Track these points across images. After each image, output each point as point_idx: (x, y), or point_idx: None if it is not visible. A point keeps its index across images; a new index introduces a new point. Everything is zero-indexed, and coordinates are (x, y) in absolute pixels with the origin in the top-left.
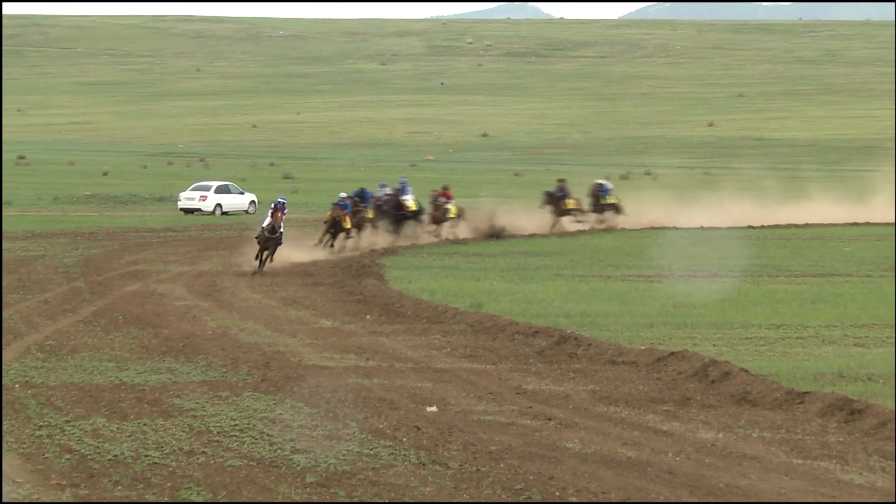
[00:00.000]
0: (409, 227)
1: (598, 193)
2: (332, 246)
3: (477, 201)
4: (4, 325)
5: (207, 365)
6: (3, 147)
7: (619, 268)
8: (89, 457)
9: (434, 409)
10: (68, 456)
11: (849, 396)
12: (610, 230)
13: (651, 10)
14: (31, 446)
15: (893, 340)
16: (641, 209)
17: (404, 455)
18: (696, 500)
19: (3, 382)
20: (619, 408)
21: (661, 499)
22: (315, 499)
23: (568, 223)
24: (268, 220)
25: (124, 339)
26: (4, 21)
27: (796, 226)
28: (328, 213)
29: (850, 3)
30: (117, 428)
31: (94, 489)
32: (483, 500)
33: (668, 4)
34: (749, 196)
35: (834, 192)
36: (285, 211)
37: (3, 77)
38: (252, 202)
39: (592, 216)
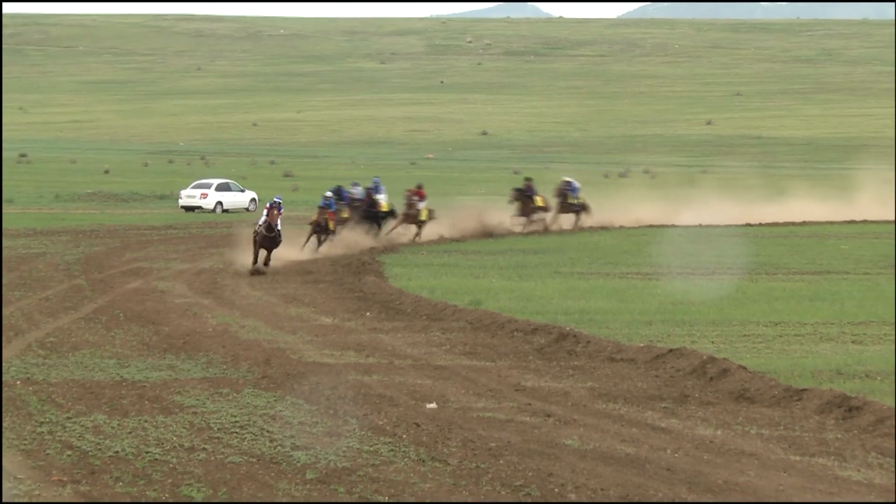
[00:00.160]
0: (382, 227)
1: (566, 192)
2: (317, 248)
3: (456, 200)
4: (6, 322)
5: (208, 362)
6: (5, 145)
7: (617, 265)
8: (90, 453)
9: (433, 405)
10: (69, 452)
11: (846, 393)
12: (578, 230)
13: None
14: (32, 443)
15: (892, 338)
16: (611, 206)
17: (404, 451)
18: (695, 497)
19: (5, 379)
20: (618, 405)
21: (660, 495)
22: (315, 495)
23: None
24: (263, 219)
25: (125, 336)
26: (5, 20)
27: (794, 223)
28: (314, 216)
29: (847, 3)
30: (118, 424)
31: (94, 486)
32: (482, 497)
33: (666, 4)
34: (735, 194)
35: (821, 189)
36: (281, 210)
37: (5, 75)
38: (252, 200)
39: (559, 217)
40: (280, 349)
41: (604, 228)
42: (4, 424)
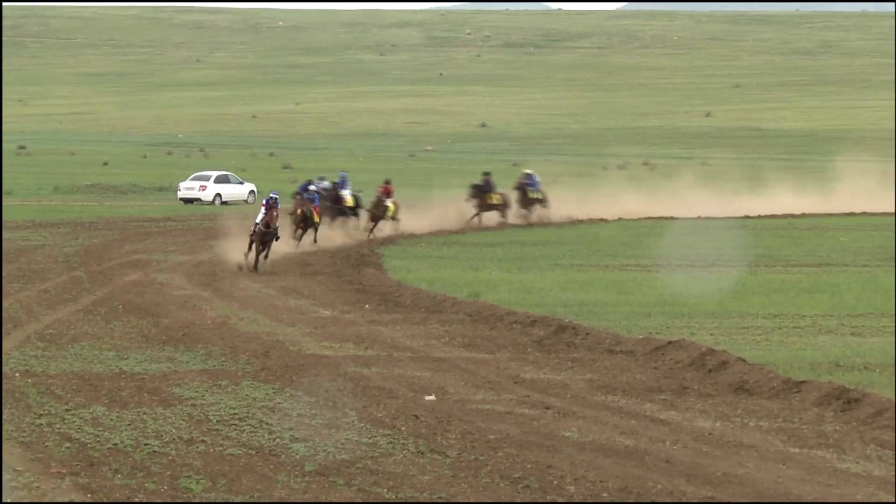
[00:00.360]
0: (347, 222)
1: (526, 187)
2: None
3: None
4: (5, 314)
5: (207, 354)
6: (4, 137)
7: (616, 257)
8: (89, 445)
9: (432, 397)
10: (68, 444)
11: (845, 385)
12: (534, 225)
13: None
14: (31, 435)
15: (891, 330)
16: (579, 198)
17: (403, 444)
18: (694, 489)
19: (4, 371)
20: (617, 397)
21: (659, 487)
22: (314, 487)
23: (490, 218)
24: (261, 216)
25: (124, 328)
26: (5, 12)
27: (793, 215)
28: (298, 209)
29: None
30: (117, 416)
31: (93, 477)
32: (481, 489)
33: None
34: (716, 186)
35: (803, 181)
36: (279, 207)
37: (4, 67)
38: (251, 192)
39: (519, 211)
40: (279, 341)
41: (574, 223)
42: (4, 416)
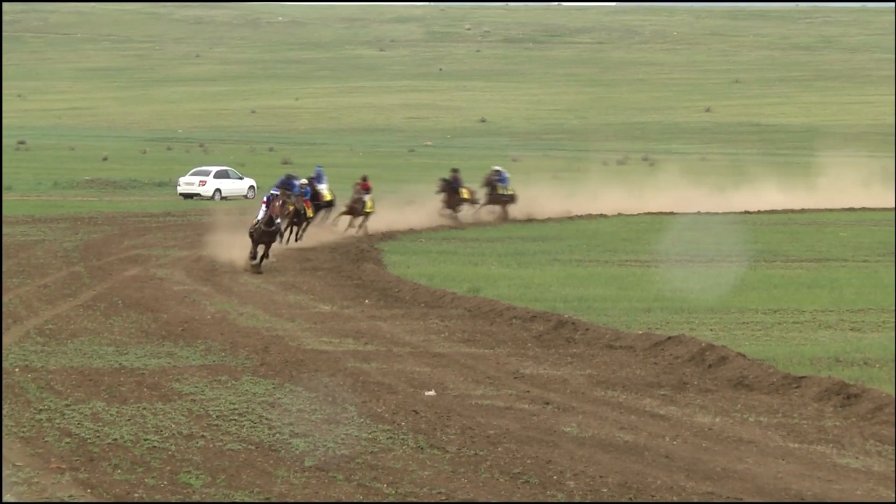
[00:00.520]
0: (326, 218)
1: (495, 183)
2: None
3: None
4: (4, 309)
5: (206, 349)
6: (4, 132)
7: (616, 253)
8: (89, 440)
9: (432, 393)
10: (68, 440)
11: (845, 381)
12: (505, 221)
13: None
14: (30, 430)
15: (891, 325)
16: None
17: (402, 439)
18: (693, 484)
19: (3, 366)
20: (617, 392)
21: (658, 482)
22: (314, 482)
23: (459, 213)
24: (263, 212)
25: (124, 323)
26: (4, 7)
27: (793, 211)
28: (290, 205)
29: None
30: (117, 412)
31: (93, 473)
32: (481, 484)
33: None
34: (699, 180)
35: (786, 177)
36: (280, 202)
37: (4, 63)
38: (251, 187)
39: (487, 207)
40: (279, 336)
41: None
42: (3, 411)
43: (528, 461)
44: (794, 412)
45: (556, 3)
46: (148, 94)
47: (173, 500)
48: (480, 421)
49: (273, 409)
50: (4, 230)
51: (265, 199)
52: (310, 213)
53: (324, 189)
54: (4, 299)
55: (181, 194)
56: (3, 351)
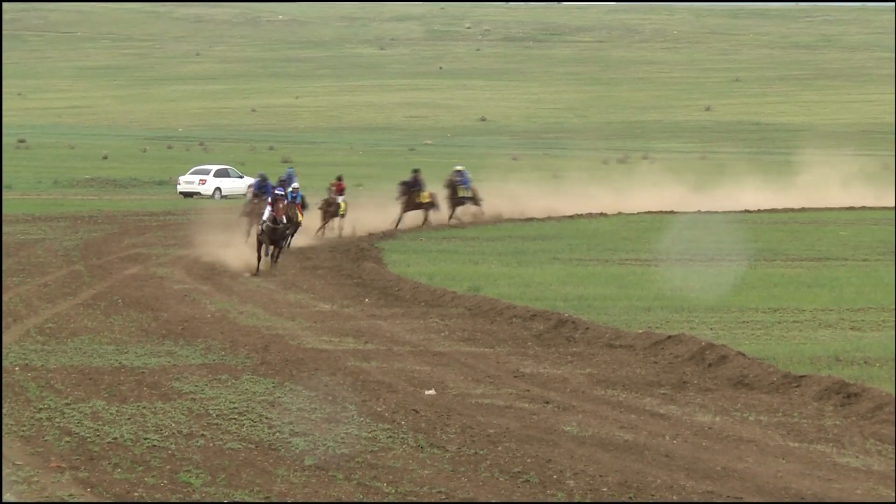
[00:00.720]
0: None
1: (456, 185)
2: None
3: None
4: (4, 308)
5: (207, 348)
6: (4, 131)
7: (616, 252)
8: (89, 439)
9: (432, 392)
10: (68, 438)
11: (845, 380)
12: (469, 224)
13: None
14: (30, 429)
15: (891, 324)
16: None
17: (402, 438)
18: (693, 483)
19: (4, 365)
20: (617, 391)
21: (658, 482)
22: (314, 481)
23: (416, 217)
24: (268, 212)
25: (124, 322)
26: (4, 5)
27: (793, 210)
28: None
29: None
30: (117, 411)
31: (93, 472)
32: (481, 483)
33: None
34: (680, 179)
35: (766, 175)
36: (287, 201)
37: (4, 61)
38: (250, 186)
39: (449, 210)
40: (279, 335)
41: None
42: (3, 410)
43: (528, 460)
44: (794, 411)
45: (557, 2)
46: (148, 92)
47: (173, 499)
48: (480, 420)
49: (273, 407)
50: (4, 229)
51: (269, 199)
52: (300, 218)
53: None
54: (4, 298)
55: (181, 193)
56: (4, 349)
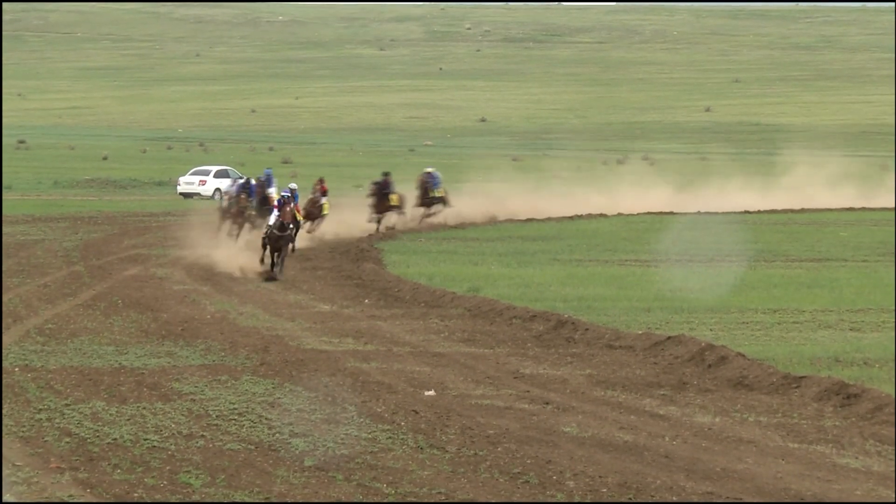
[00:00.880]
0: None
1: (427, 185)
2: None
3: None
4: (4, 308)
5: (206, 349)
6: (4, 131)
7: (616, 252)
8: (89, 440)
9: (432, 393)
10: (68, 439)
11: (845, 381)
12: (439, 227)
13: None
14: (30, 430)
15: (891, 325)
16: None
17: (402, 439)
18: (693, 484)
19: (3, 366)
20: (616, 392)
21: (658, 482)
22: (313, 482)
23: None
24: (274, 217)
25: (124, 322)
26: (4, 6)
27: (792, 210)
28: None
29: None
30: (116, 411)
31: (93, 472)
32: (480, 484)
33: None
34: (663, 179)
35: (747, 176)
36: (292, 205)
37: (4, 62)
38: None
39: (420, 210)
40: (278, 336)
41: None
42: (3, 411)
43: (528, 461)
44: (793, 412)
45: (557, 3)
46: (148, 93)
47: (173, 500)
48: (480, 421)
49: (273, 408)
50: (4, 229)
51: (277, 202)
52: (299, 217)
53: (273, 193)
54: (4, 298)
55: (181, 194)
56: (3, 350)
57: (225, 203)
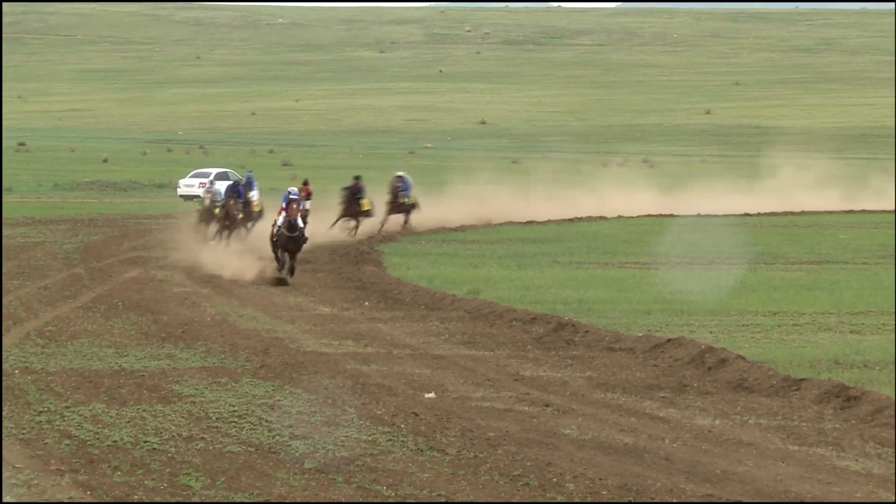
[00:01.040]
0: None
1: (398, 191)
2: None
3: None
4: (4, 310)
5: (206, 351)
6: (4, 134)
7: (616, 255)
8: (89, 442)
9: (432, 395)
10: (68, 441)
11: (845, 383)
12: (411, 232)
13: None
14: (30, 432)
15: (891, 327)
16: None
17: (402, 441)
18: (693, 487)
19: (3, 368)
20: (617, 394)
21: (658, 485)
22: (313, 485)
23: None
24: (283, 217)
25: (124, 325)
26: (5, 8)
27: (792, 213)
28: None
29: None
30: (116, 414)
31: (93, 475)
32: (480, 486)
33: None
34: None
35: (731, 178)
36: (301, 205)
37: (4, 64)
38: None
39: (387, 217)
40: (279, 338)
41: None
42: (3, 413)
43: (528, 463)
44: (793, 414)
45: (557, 5)
46: (148, 95)
47: (173, 503)
48: (480, 423)
49: (273, 411)
50: (5, 231)
51: (283, 202)
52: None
53: (254, 197)
54: (4, 301)
55: (181, 196)
56: (3, 352)
57: (207, 203)
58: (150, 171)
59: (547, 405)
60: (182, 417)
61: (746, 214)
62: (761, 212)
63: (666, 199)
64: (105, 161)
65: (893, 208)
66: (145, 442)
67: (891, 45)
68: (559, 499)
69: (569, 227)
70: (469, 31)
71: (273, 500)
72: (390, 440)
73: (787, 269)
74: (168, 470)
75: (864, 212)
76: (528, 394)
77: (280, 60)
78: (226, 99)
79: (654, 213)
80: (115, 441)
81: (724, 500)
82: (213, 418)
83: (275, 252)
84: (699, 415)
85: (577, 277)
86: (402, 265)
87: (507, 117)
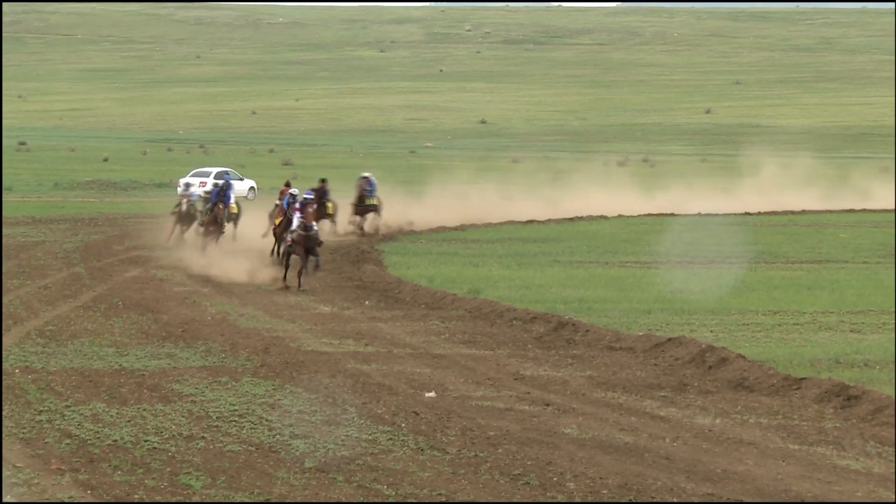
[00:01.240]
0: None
1: (365, 193)
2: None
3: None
4: (5, 310)
5: (207, 350)
6: (4, 133)
7: (616, 254)
8: (89, 441)
9: (432, 394)
10: (68, 441)
11: (845, 382)
12: (371, 235)
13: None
14: (31, 431)
15: (891, 327)
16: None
17: (403, 440)
18: (693, 486)
19: (4, 367)
20: (617, 393)
21: (659, 484)
22: (314, 484)
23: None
24: (297, 220)
25: (124, 324)
26: (5, 8)
27: (793, 212)
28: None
29: None
30: (117, 413)
31: (93, 474)
32: (481, 486)
33: None
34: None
35: (717, 178)
36: (314, 206)
37: (4, 63)
38: (251, 188)
39: (352, 218)
40: (279, 338)
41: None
42: (4, 413)
43: (529, 462)
44: (794, 414)
45: (557, 4)
46: (148, 95)
47: (173, 502)
48: (481, 422)
49: (273, 410)
50: (5, 231)
51: (297, 205)
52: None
53: (231, 201)
54: (5, 300)
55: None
56: (4, 352)
57: (184, 208)
58: (150, 170)
59: (547, 404)
60: (182, 416)
61: (747, 213)
62: (761, 211)
63: (657, 200)
64: (105, 160)
65: (894, 208)
66: (146, 441)
67: (891, 44)
68: (560, 498)
69: (569, 227)
70: (469, 30)
71: (273, 500)
72: (391, 439)
73: (787, 269)
74: (168, 469)
75: (864, 211)
76: (528, 393)
77: (280, 60)
78: (226, 98)
79: (653, 213)
80: (115, 440)
81: (724, 500)
82: (214, 417)
83: (286, 256)
84: (700, 414)
85: (578, 277)
86: (403, 264)
87: (508, 117)
